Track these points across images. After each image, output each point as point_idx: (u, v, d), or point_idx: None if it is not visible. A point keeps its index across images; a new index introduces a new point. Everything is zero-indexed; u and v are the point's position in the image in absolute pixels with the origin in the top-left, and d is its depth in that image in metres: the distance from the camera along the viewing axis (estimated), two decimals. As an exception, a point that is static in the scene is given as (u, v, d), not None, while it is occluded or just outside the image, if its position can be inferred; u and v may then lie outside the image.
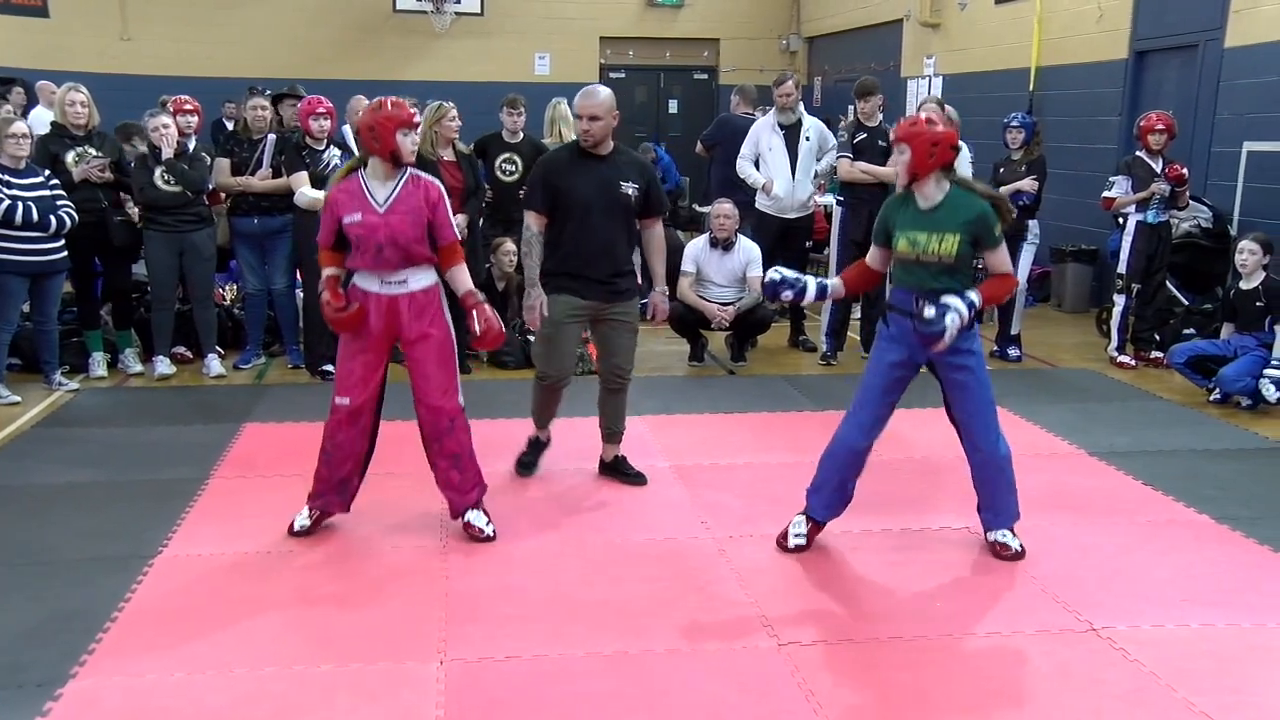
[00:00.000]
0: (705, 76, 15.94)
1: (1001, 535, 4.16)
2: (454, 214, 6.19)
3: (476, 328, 4.09)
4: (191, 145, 6.62)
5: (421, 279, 4.10)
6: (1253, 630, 3.56)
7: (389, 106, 4.04)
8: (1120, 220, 7.40)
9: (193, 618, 3.57)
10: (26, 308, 6.29)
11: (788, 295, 4.09)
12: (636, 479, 4.93)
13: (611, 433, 4.97)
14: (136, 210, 6.49)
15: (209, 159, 6.70)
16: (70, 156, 6.36)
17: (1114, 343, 7.39)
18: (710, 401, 6.28)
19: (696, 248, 7.19)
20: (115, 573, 3.86)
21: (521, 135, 7.33)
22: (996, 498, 4.13)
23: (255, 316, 7.02)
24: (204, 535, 4.24)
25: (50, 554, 4.06)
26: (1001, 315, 7.53)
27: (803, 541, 4.18)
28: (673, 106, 15.98)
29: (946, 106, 7.54)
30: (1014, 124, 7.32)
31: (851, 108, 7.31)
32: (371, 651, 3.35)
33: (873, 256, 4.13)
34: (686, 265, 7.11)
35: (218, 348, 6.90)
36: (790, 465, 5.17)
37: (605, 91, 4.56)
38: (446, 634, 3.47)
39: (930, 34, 12.00)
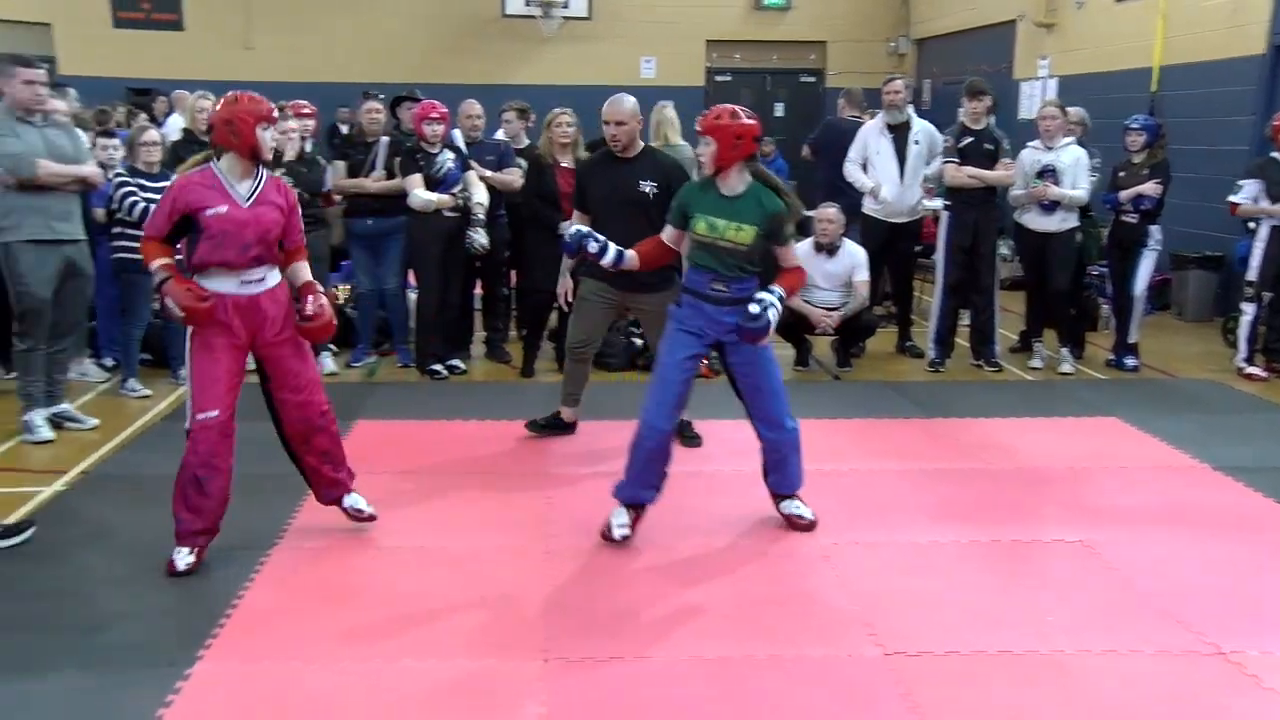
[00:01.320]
0: (812, 79, 15.80)
1: (795, 506, 4.36)
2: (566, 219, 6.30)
3: (309, 309, 3.95)
4: (309, 148, 6.81)
5: (275, 276, 3.98)
6: (1392, 658, 3.37)
7: (246, 101, 3.86)
8: (1251, 225, 7.09)
9: (305, 609, 3.68)
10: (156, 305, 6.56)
11: (592, 247, 4.14)
12: (693, 441, 5.40)
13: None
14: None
15: (324, 162, 6.89)
16: (196, 160, 6.60)
17: (1241, 353, 7.08)
18: (814, 407, 6.21)
19: (801, 252, 7.10)
20: (235, 562, 3.99)
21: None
22: (796, 462, 4.32)
23: (367, 315, 7.19)
24: (317, 529, 4.35)
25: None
26: (1119, 323, 7.29)
27: (627, 531, 4.20)
28: (779, 110, 15.86)
29: (1072, 109, 7.34)
30: (1134, 126, 7.07)
31: (959, 110, 7.15)
32: (476, 648, 3.41)
33: (667, 235, 4.21)
34: (791, 269, 7.06)
35: (331, 345, 7.08)
36: (896, 472, 5.10)
37: (630, 100, 5.11)
38: (550, 633, 3.50)
39: (1044, 34, 11.68)
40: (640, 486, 4.21)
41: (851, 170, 7.57)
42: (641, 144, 5.20)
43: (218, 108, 3.93)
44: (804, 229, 9.99)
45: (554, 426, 5.55)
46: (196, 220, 3.80)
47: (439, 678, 3.23)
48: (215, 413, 3.84)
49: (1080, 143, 7.13)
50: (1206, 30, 9.17)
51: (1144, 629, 3.57)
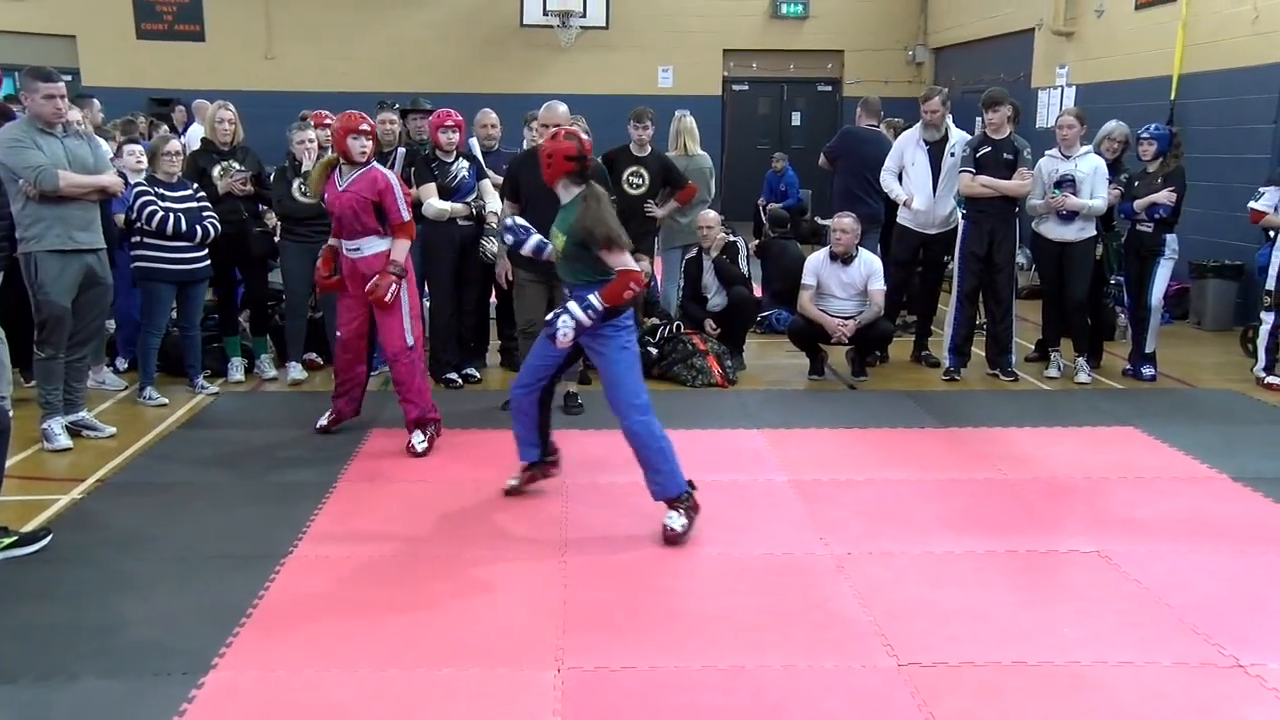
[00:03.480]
0: (829, 89, 15.83)
1: (666, 518, 4.33)
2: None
3: (367, 286, 5.26)
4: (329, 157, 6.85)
5: (375, 245, 5.33)
6: None
7: (342, 119, 5.33)
8: (1271, 234, 7.04)
9: (320, 617, 3.69)
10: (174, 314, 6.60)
11: (509, 239, 4.73)
12: (575, 409, 6.06)
13: (569, 374, 5.94)
14: (274, 221, 6.77)
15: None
16: (216, 170, 6.67)
17: (1261, 363, 7.03)
18: (830, 416, 6.21)
19: (817, 261, 7.13)
20: (250, 570, 4.02)
21: (649, 149, 7.34)
22: (650, 466, 4.36)
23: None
24: (331, 537, 4.38)
25: (193, 549, 4.25)
26: (1135, 333, 7.25)
27: (515, 483, 4.80)
28: (796, 119, 15.89)
29: (1120, 123, 7.35)
30: (1145, 135, 7.02)
31: (979, 119, 7.12)
32: (491, 657, 3.41)
33: None
34: (807, 278, 7.06)
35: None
36: (912, 482, 5.08)
37: (563, 106, 5.82)
38: (564, 643, 3.50)
39: (1063, 43, 11.66)
40: (523, 444, 4.77)
41: (887, 180, 7.56)
42: None
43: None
44: (821, 238, 9.99)
45: None
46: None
47: (454, 687, 3.24)
48: (339, 332, 5.55)
49: (1120, 160, 7.12)
50: (1228, 38, 9.14)
51: (1162, 641, 3.54)
